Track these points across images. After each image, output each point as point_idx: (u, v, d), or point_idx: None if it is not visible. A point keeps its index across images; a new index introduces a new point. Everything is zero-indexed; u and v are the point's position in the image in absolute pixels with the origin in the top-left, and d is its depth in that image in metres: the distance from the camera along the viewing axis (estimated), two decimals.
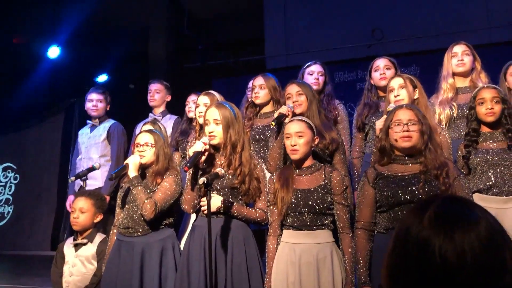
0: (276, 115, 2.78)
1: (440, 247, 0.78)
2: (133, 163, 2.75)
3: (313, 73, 3.51)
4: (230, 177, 2.52)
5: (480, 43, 4.98)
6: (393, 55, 3.64)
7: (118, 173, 2.81)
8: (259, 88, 3.30)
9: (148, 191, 2.75)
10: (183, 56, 7.62)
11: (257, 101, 3.31)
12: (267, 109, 3.37)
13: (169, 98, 4.31)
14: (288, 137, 2.51)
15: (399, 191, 2.23)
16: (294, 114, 2.76)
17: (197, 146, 2.43)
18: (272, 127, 2.73)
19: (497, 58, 3.68)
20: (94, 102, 4.23)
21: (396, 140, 2.30)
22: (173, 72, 7.17)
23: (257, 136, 3.26)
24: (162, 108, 4.25)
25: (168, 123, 4.07)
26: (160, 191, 2.73)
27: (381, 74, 3.34)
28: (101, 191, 3.72)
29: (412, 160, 2.31)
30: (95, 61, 7.30)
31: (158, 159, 2.82)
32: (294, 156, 2.49)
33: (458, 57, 3.25)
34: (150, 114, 4.22)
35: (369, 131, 3.30)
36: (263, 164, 2.74)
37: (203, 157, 2.46)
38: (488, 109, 2.72)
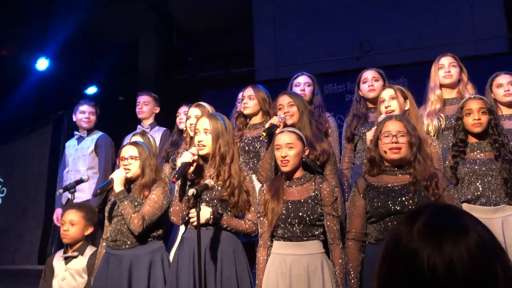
0: (267, 125, 2.78)
1: (428, 258, 0.77)
2: (118, 177, 2.74)
3: (300, 85, 3.53)
4: (219, 188, 2.50)
5: (467, 55, 5.05)
6: (382, 67, 3.66)
7: (103, 189, 2.78)
8: (248, 99, 3.31)
9: (136, 203, 2.73)
10: (173, 68, 7.63)
11: (246, 111, 3.31)
12: (256, 120, 3.37)
13: (157, 110, 4.30)
14: (279, 148, 2.51)
15: (389, 202, 2.23)
16: (285, 125, 2.77)
17: (186, 156, 2.42)
18: (262, 138, 2.73)
19: (483, 70, 3.74)
20: (87, 114, 4.21)
21: (385, 152, 2.32)
22: (163, 84, 7.16)
23: (246, 148, 3.26)
24: (150, 120, 4.24)
25: (156, 135, 4.06)
26: (148, 204, 2.70)
27: (369, 86, 3.36)
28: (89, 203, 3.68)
29: (401, 171, 2.32)
30: (84, 73, 7.28)
31: (144, 172, 2.80)
32: (285, 168, 2.49)
33: (445, 68, 3.29)
34: (139, 126, 4.21)
35: (358, 142, 3.31)
36: (253, 175, 2.73)
37: (192, 168, 2.45)
38: (475, 119, 2.75)
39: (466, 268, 0.76)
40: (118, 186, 2.72)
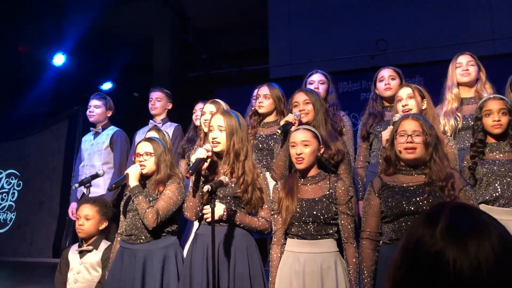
0: (282, 123, 2.78)
1: (454, 260, 0.75)
2: (133, 172, 2.76)
3: (314, 82, 3.53)
4: (232, 185, 2.51)
5: (485, 55, 4.98)
6: (397, 65, 3.62)
7: (118, 184, 2.80)
8: (263, 98, 3.31)
9: (151, 199, 2.74)
10: (187, 65, 7.66)
11: (261, 110, 3.32)
12: (270, 118, 3.37)
13: (170, 106, 4.33)
14: (294, 146, 2.51)
15: (403, 202, 2.23)
16: (300, 123, 2.76)
17: (200, 153, 2.43)
18: (277, 135, 2.72)
19: (502, 69, 3.68)
20: (91, 108, 4.26)
21: (400, 151, 2.31)
22: (177, 81, 7.20)
23: (260, 145, 3.26)
24: (163, 116, 4.26)
25: (168, 130, 4.07)
26: (163, 199, 2.72)
27: (386, 84, 3.34)
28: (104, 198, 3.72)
29: (417, 171, 2.31)
30: (100, 69, 7.34)
31: (159, 168, 2.82)
32: (300, 166, 2.49)
33: (463, 67, 3.25)
34: (151, 121, 4.23)
35: (374, 141, 3.30)
36: (267, 173, 2.73)
37: (205, 164, 2.46)
38: (495, 121, 2.71)
39: (493, 268, 0.74)
40: (133, 181, 2.74)
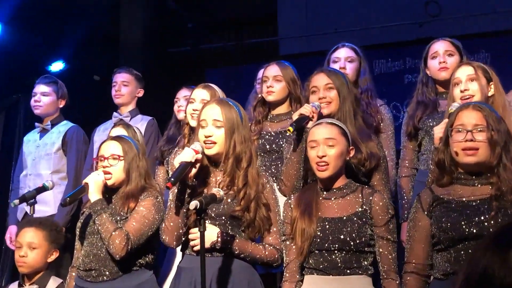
0: (295, 117, 2.78)
1: None
2: (94, 182, 2.76)
3: (339, 60, 3.54)
4: (229, 200, 2.51)
5: None
6: (455, 37, 3.63)
7: (74, 197, 2.81)
8: (273, 81, 3.32)
9: (118, 218, 2.75)
10: (167, 38, 7.65)
11: (270, 98, 3.32)
12: (281, 109, 3.37)
13: (141, 93, 4.34)
14: (314, 146, 2.51)
15: (463, 222, 2.23)
16: (320, 116, 2.77)
17: (186, 154, 2.42)
18: (289, 134, 2.73)
19: None
20: (37, 96, 4.26)
21: (457, 153, 2.31)
22: (153, 60, 7.19)
23: (267, 146, 3.26)
24: (131, 106, 4.28)
25: (139, 126, 4.07)
26: (134, 219, 2.72)
27: (440, 62, 3.34)
28: (54, 219, 3.72)
29: (480, 180, 2.31)
30: (48, 44, 7.33)
31: (129, 177, 2.83)
32: (323, 173, 2.49)
33: None
34: (115, 114, 4.25)
35: (424, 140, 3.30)
36: (274, 184, 2.73)
37: (193, 170, 2.45)
38: None
39: None
40: (94, 194, 2.74)
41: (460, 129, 2.31)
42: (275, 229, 2.56)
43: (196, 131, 2.62)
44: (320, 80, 2.89)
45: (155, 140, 4.08)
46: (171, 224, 2.49)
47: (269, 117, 3.40)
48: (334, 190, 2.52)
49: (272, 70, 3.36)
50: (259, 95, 3.45)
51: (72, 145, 4.17)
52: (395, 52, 6.50)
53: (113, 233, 2.66)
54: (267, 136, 3.28)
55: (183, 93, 3.93)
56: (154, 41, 7.34)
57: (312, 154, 2.52)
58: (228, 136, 2.53)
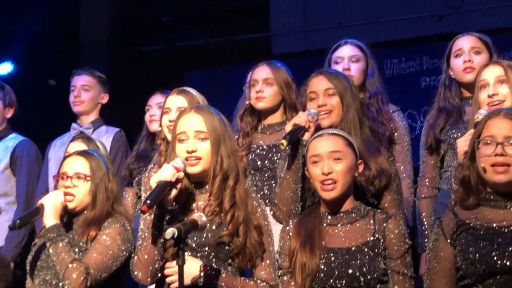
0: (288, 128, 2.78)
1: None
2: (52, 204, 2.76)
3: (343, 60, 3.56)
4: (214, 228, 2.51)
5: None
6: (480, 32, 3.64)
7: (25, 220, 2.80)
8: (263, 85, 3.33)
9: (76, 250, 2.74)
10: (138, 35, 7.65)
11: (261, 105, 3.34)
12: (274, 118, 3.38)
13: (105, 99, 4.35)
14: (317, 162, 2.52)
15: (494, 253, 2.25)
16: (318, 128, 2.77)
17: (165, 172, 2.41)
18: (283, 148, 2.72)
19: None
20: None
21: (485, 170, 2.32)
22: (120, 60, 7.19)
23: (259, 163, 3.27)
24: (93, 116, 4.28)
25: (104, 139, 4.07)
26: (95, 249, 2.72)
27: (466, 61, 3.36)
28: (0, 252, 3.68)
29: None
30: None
31: (95, 200, 2.83)
32: (330, 194, 2.49)
33: None
34: (74, 125, 4.24)
35: (447, 154, 3.32)
36: (267, 208, 2.74)
37: (174, 192, 2.44)
38: None
39: None
40: (50, 218, 2.74)
41: (488, 141, 2.33)
42: (268, 261, 2.55)
43: (173, 146, 2.60)
44: (319, 84, 2.89)
45: (123, 156, 4.07)
46: (145, 256, 2.46)
47: (259, 128, 3.40)
48: (341, 215, 2.52)
49: (262, 72, 3.37)
50: (247, 102, 3.44)
51: (22, 163, 4.16)
52: (410, 51, 6.52)
53: (70, 265, 2.65)
54: (258, 151, 3.29)
55: (156, 99, 3.93)
56: (121, 38, 7.33)
57: (316, 171, 2.52)
58: (214, 149, 2.53)
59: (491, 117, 2.39)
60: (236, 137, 3.36)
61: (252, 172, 3.25)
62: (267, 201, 3.09)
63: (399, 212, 2.80)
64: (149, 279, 2.49)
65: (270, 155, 3.25)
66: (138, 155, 3.84)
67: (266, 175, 3.24)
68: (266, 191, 3.18)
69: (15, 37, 7.30)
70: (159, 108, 3.78)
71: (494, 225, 2.30)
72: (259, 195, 3.14)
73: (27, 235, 3.75)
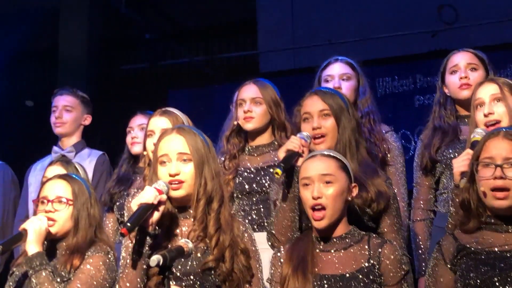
0: (281, 154, 2.75)
1: None
2: (35, 230, 2.72)
3: (333, 79, 3.57)
4: (199, 255, 2.50)
5: None
6: (476, 48, 3.67)
7: (8, 246, 2.77)
8: (251, 104, 3.35)
9: (58, 280, 2.71)
10: (119, 52, 7.66)
11: (249, 126, 3.35)
12: (262, 139, 3.39)
13: (88, 121, 4.34)
14: (308, 185, 2.51)
15: (495, 279, 2.25)
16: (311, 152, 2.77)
17: (147, 195, 2.40)
18: (278, 177, 2.70)
19: None
20: None
21: (485, 194, 2.32)
22: (101, 79, 7.18)
23: (246, 186, 3.26)
24: (75, 138, 4.27)
25: (86, 162, 4.06)
26: (79, 280, 2.70)
27: (462, 78, 3.37)
28: None
29: None
30: None
31: (77, 226, 2.82)
32: (321, 223, 2.47)
33: None
34: (55, 148, 4.22)
35: (444, 175, 3.32)
36: (256, 233, 2.73)
37: (156, 215, 2.42)
38: None
39: None
40: (33, 245, 2.70)
41: (487, 163, 2.33)
42: (257, 287, 2.56)
43: (155, 169, 2.59)
44: (313, 105, 2.88)
45: (107, 181, 4.03)
46: (127, 284, 2.44)
47: (246, 149, 3.40)
48: (334, 240, 2.51)
49: (250, 91, 3.38)
50: (235, 122, 3.44)
51: None
52: (403, 68, 6.55)
53: None
54: (245, 174, 3.28)
55: (137, 121, 3.92)
56: (102, 56, 7.33)
57: (306, 195, 2.51)
58: (198, 171, 2.53)
59: (490, 137, 2.40)
60: (223, 159, 3.37)
61: (240, 196, 3.24)
62: (255, 226, 3.08)
63: (398, 237, 2.79)
64: None
65: (258, 178, 3.24)
66: (119, 178, 3.82)
67: (254, 199, 3.23)
68: (254, 216, 3.17)
69: None
70: (141, 130, 3.79)
71: (496, 249, 2.30)
72: (246, 220, 3.12)
73: (3, 263, 3.71)
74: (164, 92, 7.14)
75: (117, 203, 3.70)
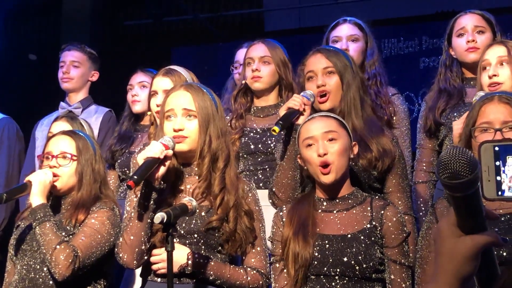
0: (282, 112, 2.77)
1: None
2: (40, 183, 2.75)
3: (341, 39, 3.56)
4: (203, 214, 2.52)
5: None
6: (486, 9, 3.63)
7: (12, 194, 2.81)
8: (260, 63, 3.34)
9: (63, 233, 2.74)
10: (122, 8, 7.61)
11: (258, 85, 3.35)
12: (269, 100, 3.40)
13: (95, 77, 4.34)
14: (311, 145, 2.52)
15: None
16: (314, 111, 2.77)
17: (153, 149, 2.40)
18: (276, 133, 2.71)
19: None
20: None
21: None
22: (104, 34, 7.15)
23: (252, 146, 3.27)
24: (83, 94, 4.27)
25: (93, 119, 4.07)
26: (84, 233, 2.72)
27: (469, 41, 3.35)
28: None
29: None
30: None
31: (81, 182, 2.83)
32: (328, 177, 2.48)
33: None
34: (62, 104, 4.22)
35: (448, 138, 3.32)
36: (259, 191, 2.74)
37: (162, 169, 2.44)
38: None
39: None
40: (37, 197, 2.73)
41: (484, 128, 2.35)
42: (259, 248, 2.57)
43: (161, 124, 2.61)
44: (317, 63, 2.88)
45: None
46: (131, 237, 2.47)
47: (252, 110, 3.41)
48: (337, 201, 2.53)
49: (259, 50, 3.37)
50: (242, 82, 3.44)
51: (2, 143, 4.15)
52: (409, 30, 6.50)
53: (58, 246, 2.65)
54: (251, 134, 3.29)
55: (137, 78, 3.93)
56: (105, 12, 7.28)
57: (311, 155, 2.51)
58: (202, 129, 2.54)
59: (485, 102, 2.40)
60: (229, 118, 3.37)
61: (245, 156, 3.25)
62: (260, 184, 3.11)
63: (404, 196, 2.83)
64: (135, 262, 2.50)
65: (264, 138, 3.25)
66: (120, 136, 3.82)
67: (259, 159, 3.24)
68: (260, 176, 3.19)
69: None
70: (141, 88, 3.82)
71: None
72: (252, 180, 3.15)
73: (8, 217, 3.75)
74: (167, 49, 7.11)
75: (119, 160, 3.72)
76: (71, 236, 2.75)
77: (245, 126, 3.32)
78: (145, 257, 2.51)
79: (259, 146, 3.25)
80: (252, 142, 3.27)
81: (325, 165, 2.48)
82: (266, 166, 3.20)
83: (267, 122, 3.30)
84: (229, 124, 3.34)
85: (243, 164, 3.29)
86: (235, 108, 3.37)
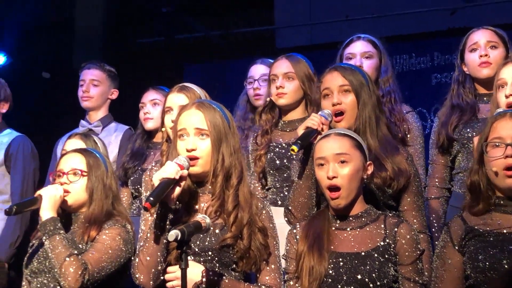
0: (300, 131, 2.78)
1: None
2: (50, 197, 2.76)
3: (354, 57, 3.56)
4: (217, 231, 2.52)
5: None
6: (498, 26, 3.64)
7: (22, 207, 2.82)
8: (284, 79, 3.36)
9: (75, 252, 2.74)
10: (136, 26, 7.63)
11: (282, 101, 3.37)
12: (295, 114, 3.41)
13: (115, 95, 4.37)
14: (322, 165, 2.52)
15: (504, 261, 2.26)
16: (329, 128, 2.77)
17: (169, 169, 2.41)
18: (294, 153, 2.71)
19: None
20: None
21: (496, 174, 2.33)
22: (117, 52, 7.17)
23: (277, 162, 3.29)
24: (102, 112, 4.29)
25: (113, 137, 4.10)
26: (95, 248, 2.73)
27: (481, 56, 3.36)
28: None
29: None
30: None
31: (92, 198, 2.85)
32: (337, 202, 2.48)
33: None
34: (82, 122, 4.25)
35: (460, 154, 3.32)
36: (273, 209, 2.74)
37: (178, 190, 2.45)
38: None
39: None
40: (47, 211, 2.75)
41: (497, 144, 2.34)
42: (273, 266, 2.56)
43: (174, 143, 2.61)
44: (333, 80, 2.87)
45: None
46: (148, 258, 2.47)
47: (280, 125, 3.42)
48: (350, 219, 2.53)
49: (282, 67, 3.39)
50: (267, 99, 3.46)
51: (17, 160, 4.15)
52: (421, 46, 6.50)
53: (67, 259, 2.66)
54: (277, 149, 3.31)
55: (149, 96, 3.94)
56: (118, 29, 7.31)
57: (320, 175, 2.52)
58: (215, 148, 2.54)
59: (497, 118, 2.42)
60: (255, 135, 3.42)
61: (271, 172, 3.27)
62: (267, 202, 3.12)
63: (419, 215, 2.81)
64: (151, 283, 2.49)
65: (289, 153, 3.25)
66: (133, 153, 3.84)
67: (285, 174, 3.25)
68: (286, 193, 3.18)
69: (7, 29, 7.28)
70: (153, 105, 3.84)
71: (505, 231, 2.32)
72: (278, 197, 3.16)
73: (22, 235, 3.76)
74: (179, 66, 7.13)
75: (131, 178, 3.74)
76: (83, 254, 2.74)
77: (271, 141, 3.33)
78: (162, 277, 2.51)
79: (285, 161, 3.26)
80: (277, 157, 3.28)
81: (334, 188, 2.48)
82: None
83: (293, 136, 3.26)
84: (255, 141, 3.37)
85: (270, 180, 3.31)
86: (260, 124, 3.39)
